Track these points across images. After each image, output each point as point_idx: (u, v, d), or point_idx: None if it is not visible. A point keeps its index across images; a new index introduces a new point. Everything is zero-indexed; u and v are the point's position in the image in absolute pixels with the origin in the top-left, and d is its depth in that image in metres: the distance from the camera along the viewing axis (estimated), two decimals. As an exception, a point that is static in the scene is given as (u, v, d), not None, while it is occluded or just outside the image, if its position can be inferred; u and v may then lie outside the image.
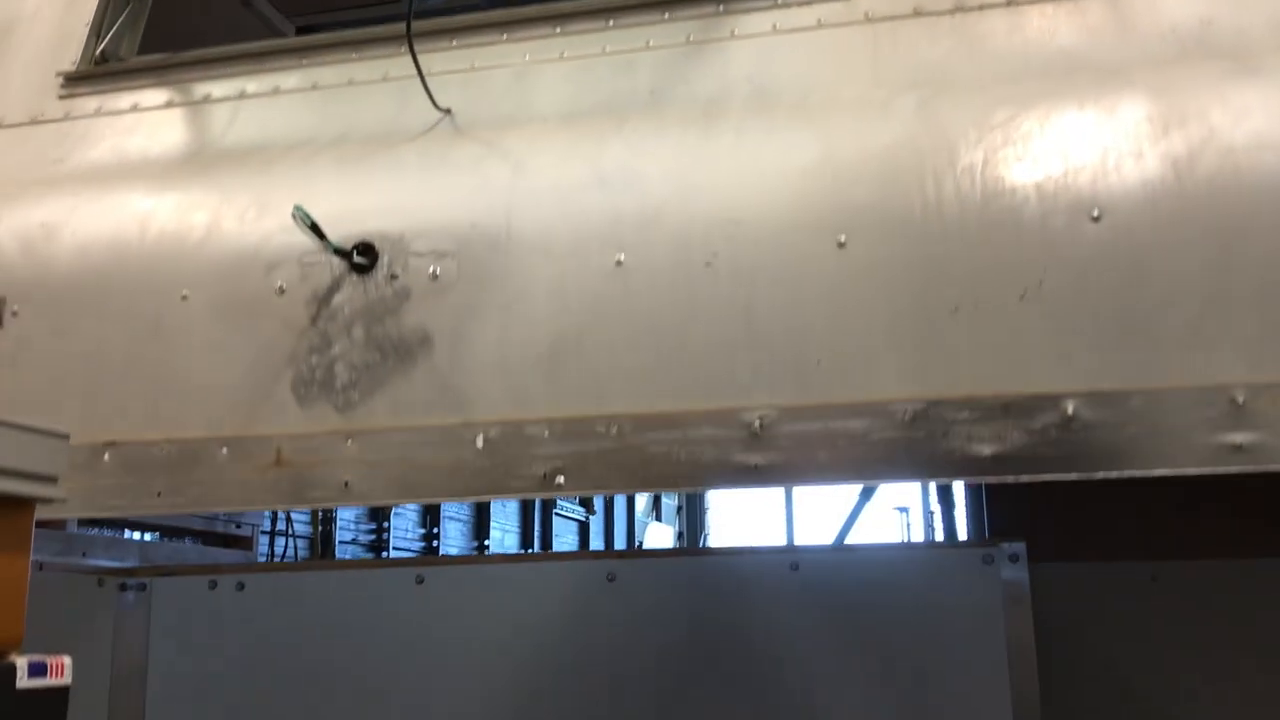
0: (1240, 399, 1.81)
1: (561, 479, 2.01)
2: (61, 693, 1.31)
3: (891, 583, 2.28)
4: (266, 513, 6.31)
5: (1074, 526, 3.78)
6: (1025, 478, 1.86)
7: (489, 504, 10.03)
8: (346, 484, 2.11)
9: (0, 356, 2.31)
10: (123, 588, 2.59)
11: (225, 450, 2.18)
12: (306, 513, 6.65)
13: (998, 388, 1.89)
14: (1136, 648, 3.32)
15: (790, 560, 2.33)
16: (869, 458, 1.89)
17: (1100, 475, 1.85)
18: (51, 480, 1.32)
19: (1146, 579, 3.42)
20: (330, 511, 6.96)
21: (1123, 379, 1.85)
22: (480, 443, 2.06)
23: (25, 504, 1.31)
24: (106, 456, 2.23)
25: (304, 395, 2.17)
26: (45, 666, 1.31)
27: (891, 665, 2.22)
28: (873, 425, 1.90)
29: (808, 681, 2.24)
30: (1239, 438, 1.81)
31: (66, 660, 1.33)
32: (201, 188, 2.37)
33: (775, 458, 1.92)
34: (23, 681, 1.27)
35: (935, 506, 5.56)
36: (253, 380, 2.18)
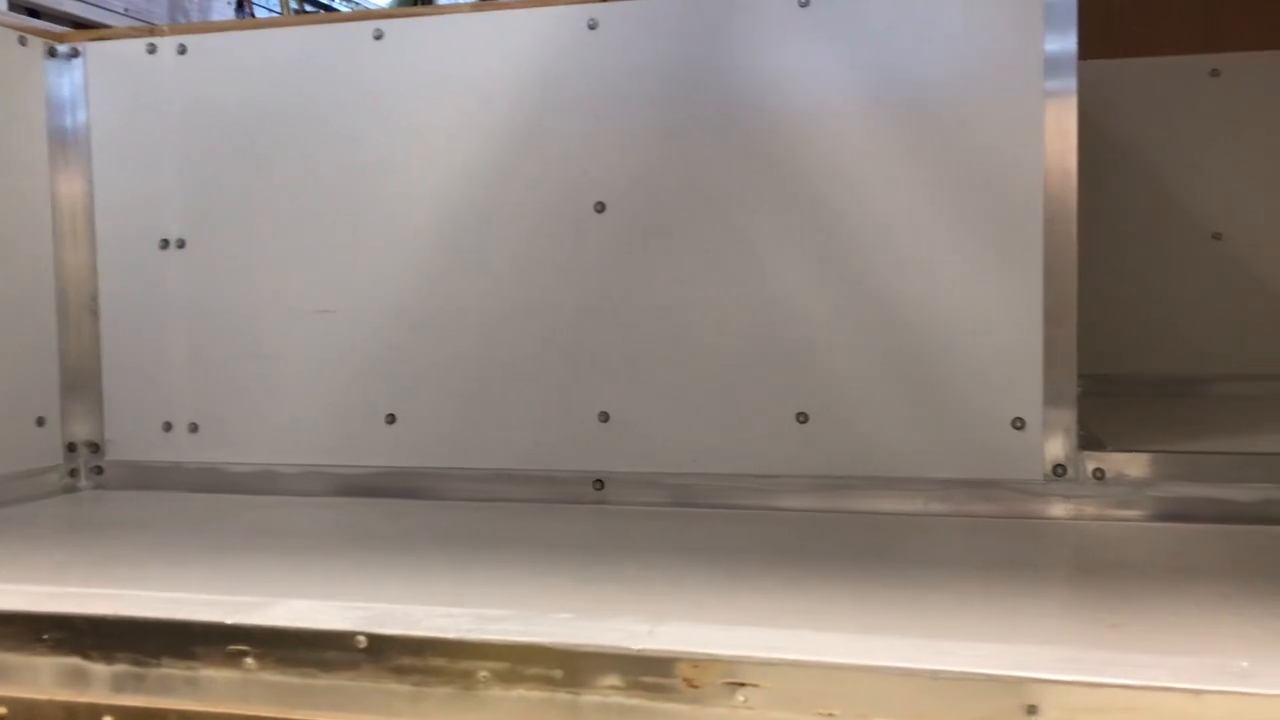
0: None
1: None
2: None
3: (914, 19, 2.02)
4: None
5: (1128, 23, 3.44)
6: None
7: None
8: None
9: None
10: (52, 53, 2.34)
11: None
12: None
13: None
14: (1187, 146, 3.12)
15: (800, -6, 2.06)
16: None
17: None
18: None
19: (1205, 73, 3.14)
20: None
21: None
22: None
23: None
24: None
25: None
26: None
27: (914, 119, 2.02)
28: None
29: (820, 133, 2.05)
30: None
31: None
32: None
33: None
34: None
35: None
36: None
